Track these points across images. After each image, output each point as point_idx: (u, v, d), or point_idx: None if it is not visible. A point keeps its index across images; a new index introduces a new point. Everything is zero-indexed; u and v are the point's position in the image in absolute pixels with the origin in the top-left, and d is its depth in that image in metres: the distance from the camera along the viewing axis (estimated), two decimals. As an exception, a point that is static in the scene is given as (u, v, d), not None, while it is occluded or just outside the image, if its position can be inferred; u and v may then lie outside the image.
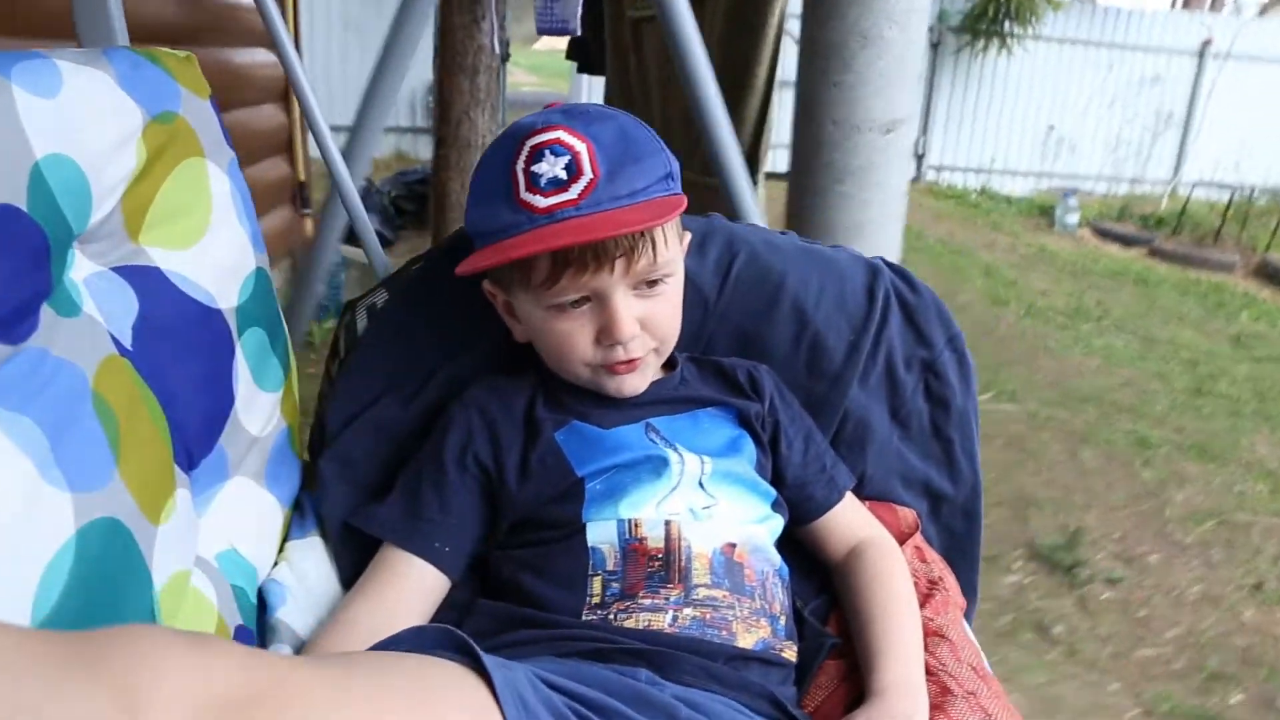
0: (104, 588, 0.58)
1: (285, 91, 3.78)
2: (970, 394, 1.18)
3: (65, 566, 0.55)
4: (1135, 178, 8.77)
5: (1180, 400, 3.55)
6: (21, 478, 0.54)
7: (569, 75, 6.90)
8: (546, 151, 0.81)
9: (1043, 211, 7.52)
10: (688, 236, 0.97)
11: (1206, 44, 8.29)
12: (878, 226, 1.60)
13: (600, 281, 0.82)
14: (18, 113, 0.61)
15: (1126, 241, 6.79)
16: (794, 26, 1.82)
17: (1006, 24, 7.78)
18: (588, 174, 0.80)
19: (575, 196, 0.80)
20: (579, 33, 1.38)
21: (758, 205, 1.38)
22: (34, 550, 0.53)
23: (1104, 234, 6.99)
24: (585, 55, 3.51)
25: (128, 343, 0.74)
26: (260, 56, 3.36)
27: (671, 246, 0.87)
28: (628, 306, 0.84)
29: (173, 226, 0.81)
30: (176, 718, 0.41)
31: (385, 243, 4.58)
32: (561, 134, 0.81)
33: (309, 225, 4.16)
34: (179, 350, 0.79)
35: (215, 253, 0.86)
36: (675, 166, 0.87)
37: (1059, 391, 3.53)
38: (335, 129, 1.20)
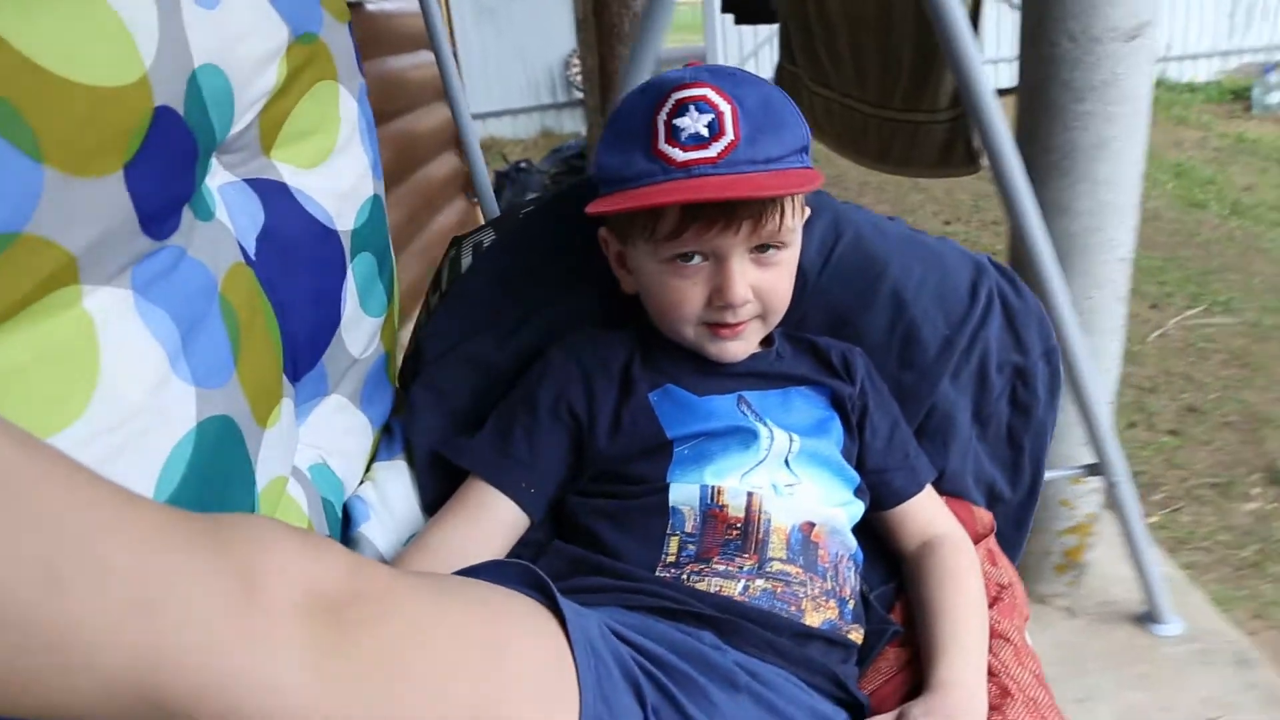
0: (215, 482, 0.61)
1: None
2: (1053, 408, 1.15)
3: (185, 456, 0.58)
4: (1348, 38, 7.19)
5: None
6: (155, 365, 0.57)
7: (701, 28, 6.76)
8: (691, 107, 0.81)
9: (1236, 95, 6.46)
10: (807, 213, 0.96)
11: None
12: (1122, 143, 1.48)
13: (723, 241, 0.83)
14: (183, 21, 0.64)
15: (1344, 115, 5.52)
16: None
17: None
18: (729, 135, 0.81)
19: (714, 155, 0.80)
20: None
21: (1009, 134, 1.29)
22: (160, 437, 0.56)
23: (1316, 110, 5.75)
24: (741, 6, 3.40)
25: (252, 252, 0.77)
26: (420, 58, 3.29)
27: (796, 218, 0.87)
28: (743, 270, 0.85)
29: (302, 145, 0.84)
30: (289, 602, 0.43)
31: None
32: (709, 92, 0.82)
33: (479, 214, 4.18)
34: (296, 264, 0.82)
35: (338, 175, 0.89)
36: (809, 140, 0.87)
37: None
38: (477, 116, 1.21)
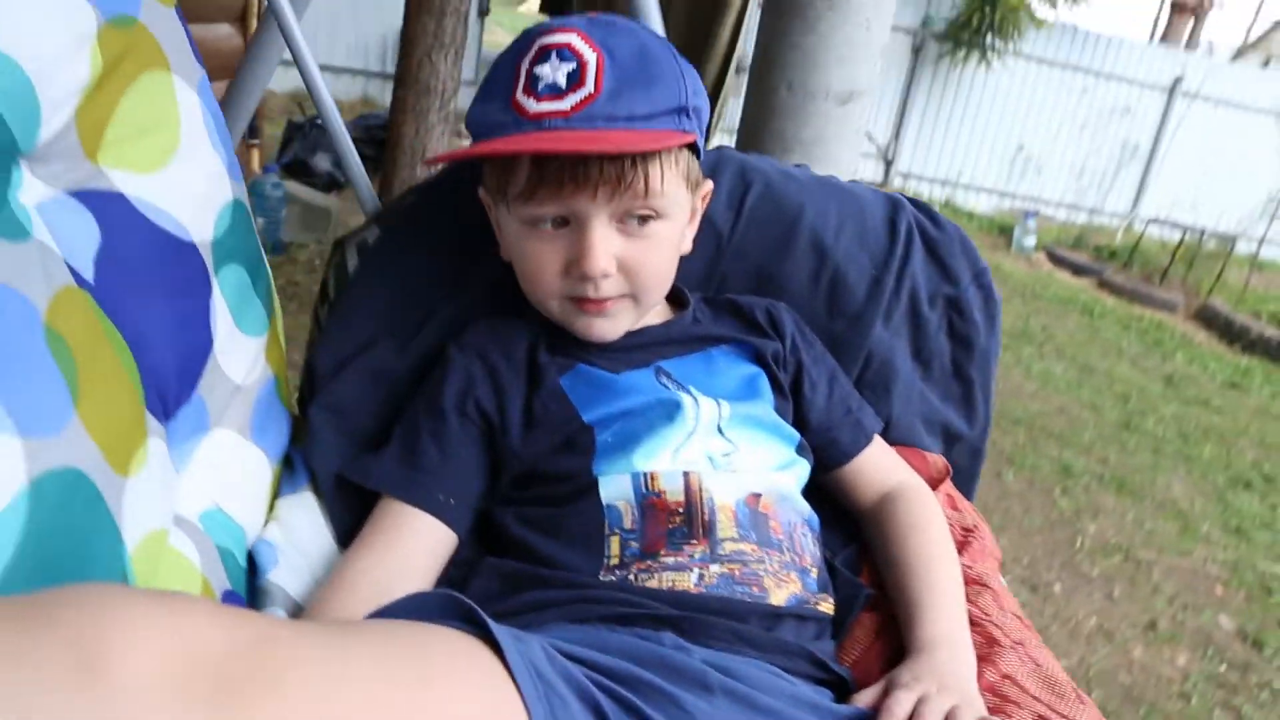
0: (65, 547, 0.50)
1: (243, 13, 3.55)
2: (995, 332, 1.12)
3: (16, 523, 0.47)
4: (1095, 208, 8.85)
5: (1107, 432, 3.62)
6: (-39, 421, 0.46)
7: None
8: (553, 54, 0.75)
9: (1002, 230, 7.63)
10: (708, 186, 0.90)
11: (1178, 81, 8.37)
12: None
13: (580, 204, 0.75)
14: (-54, 0, 0.53)
15: (1078, 270, 6.85)
16: None
17: (989, 36, 7.76)
18: (588, 86, 0.74)
19: (567, 108, 0.73)
20: None
21: None
22: (-21, 504, 0.46)
23: (1058, 260, 7.06)
24: (560, 9, 3.38)
25: (89, 275, 0.65)
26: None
27: (670, 185, 0.79)
28: (605, 240, 0.77)
29: (136, 146, 0.72)
30: (149, 676, 0.35)
31: (337, 185, 4.39)
32: (574, 39, 0.75)
33: (256, 157, 3.98)
34: (148, 286, 0.71)
35: (186, 179, 0.77)
36: (696, 102, 0.80)
37: (993, 411, 3.57)
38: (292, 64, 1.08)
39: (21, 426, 0.49)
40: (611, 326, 0.84)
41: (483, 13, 7.51)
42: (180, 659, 0.36)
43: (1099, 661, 2.10)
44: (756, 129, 1.57)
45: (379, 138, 4.49)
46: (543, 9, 3.82)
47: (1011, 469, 3.04)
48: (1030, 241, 7.13)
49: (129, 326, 0.68)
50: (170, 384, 0.73)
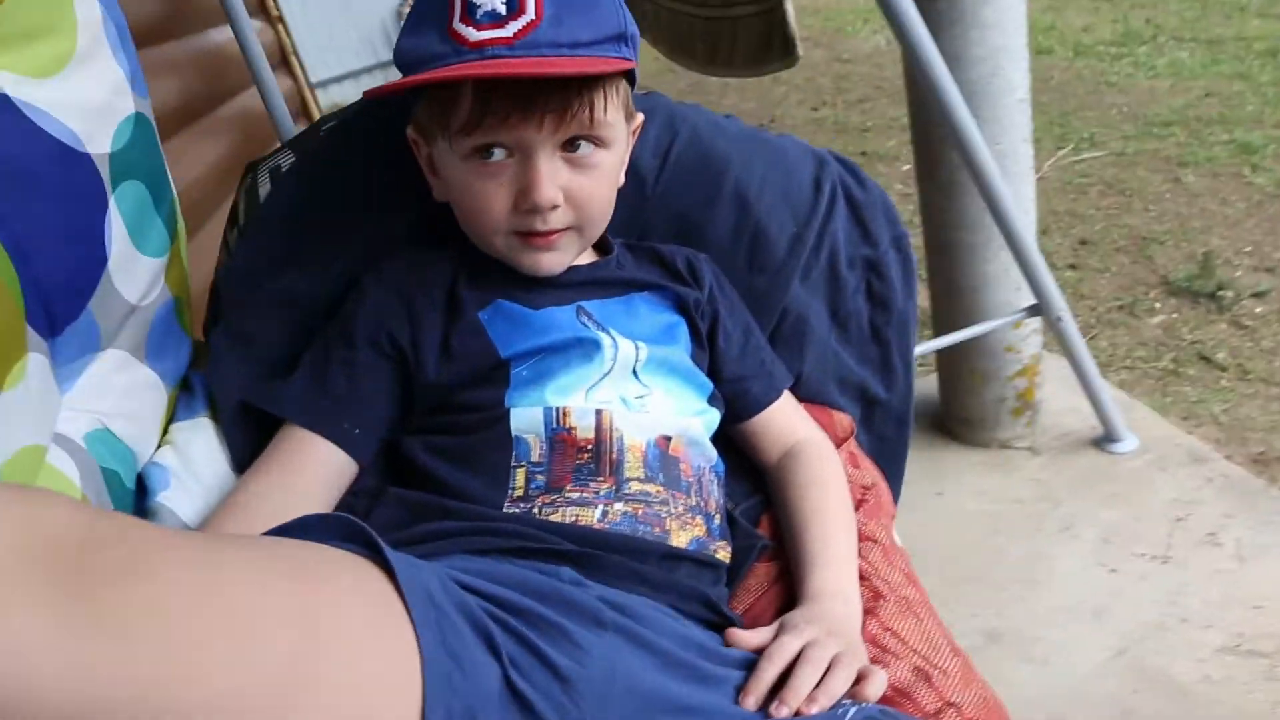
0: (-75, 458, 0.49)
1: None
2: (912, 296, 1.14)
3: None
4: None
5: (1271, 95, 3.23)
6: None
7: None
8: None
9: None
10: (639, 118, 0.89)
11: None
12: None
13: (526, 134, 0.74)
14: None
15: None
16: None
17: None
18: (529, 13, 0.72)
19: (510, 35, 0.72)
20: None
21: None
22: None
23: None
24: None
25: (-34, 180, 0.62)
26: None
27: (612, 113, 0.78)
28: (552, 170, 0.77)
29: (25, 50, 0.69)
30: (7, 549, 0.35)
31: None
32: None
33: None
34: (33, 194, 0.68)
35: (82, 88, 0.74)
36: (633, 30, 0.79)
37: (1139, 123, 3.26)
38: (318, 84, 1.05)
39: (-126, 329, 0.47)
40: (558, 260, 0.84)
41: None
42: (37, 542, 0.36)
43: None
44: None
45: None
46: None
47: (1188, 169, 2.79)
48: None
49: (9, 235, 0.65)
50: (58, 298, 0.70)
